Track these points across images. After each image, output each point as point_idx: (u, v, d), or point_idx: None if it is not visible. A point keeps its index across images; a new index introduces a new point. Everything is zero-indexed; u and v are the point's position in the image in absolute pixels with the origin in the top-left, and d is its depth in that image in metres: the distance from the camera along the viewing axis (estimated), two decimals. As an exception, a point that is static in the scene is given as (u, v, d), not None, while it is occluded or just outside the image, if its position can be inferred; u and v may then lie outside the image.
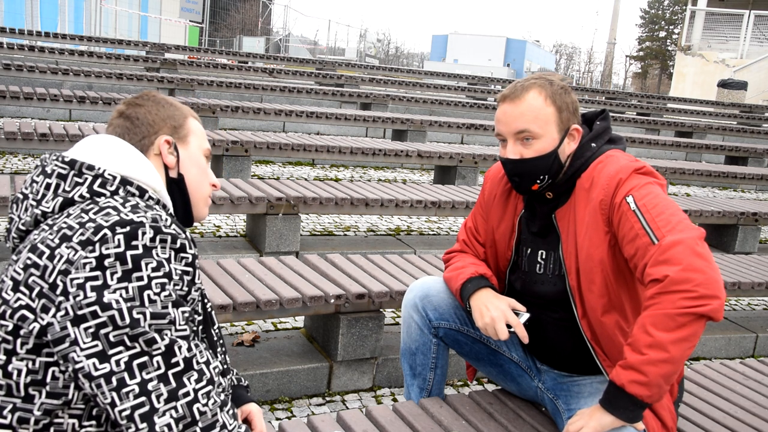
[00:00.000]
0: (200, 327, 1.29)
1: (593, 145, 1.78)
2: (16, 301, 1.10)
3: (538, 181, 1.75)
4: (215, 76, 10.58)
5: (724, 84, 18.14)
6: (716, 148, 9.20)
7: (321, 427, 1.79)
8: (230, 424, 1.15)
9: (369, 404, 2.81)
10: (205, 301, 1.35)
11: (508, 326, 1.77)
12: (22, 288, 1.11)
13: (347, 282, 2.83)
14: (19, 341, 1.10)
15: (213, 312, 1.41)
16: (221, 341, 1.44)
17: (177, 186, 1.35)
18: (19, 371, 1.10)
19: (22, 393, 1.10)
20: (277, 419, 2.62)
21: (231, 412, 1.18)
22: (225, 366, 1.45)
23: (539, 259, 1.85)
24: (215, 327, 1.41)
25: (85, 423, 1.14)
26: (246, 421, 1.50)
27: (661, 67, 50.23)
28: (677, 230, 1.56)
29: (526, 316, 1.79)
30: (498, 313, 1.76)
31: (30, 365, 1.10)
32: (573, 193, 1.77)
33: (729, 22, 22.47)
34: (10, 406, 1.10)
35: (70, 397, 1.12)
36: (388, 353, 2.99)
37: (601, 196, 1.69)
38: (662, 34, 51.25)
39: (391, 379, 3.00)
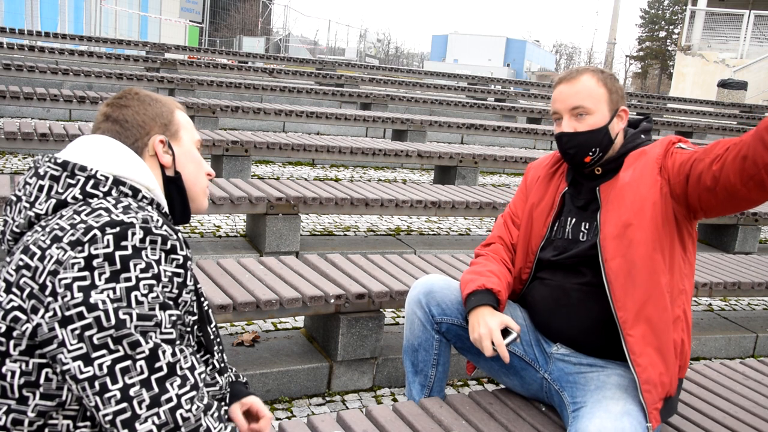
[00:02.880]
0: (195, 326, 1.28)
1: (642, 136, 2.01)
2: (8, 303, 1.10)
3: (590, 153, 1.92)
4: (215, 76, 10.58)
5: (724, 84, 18.11)
6: (716, 147, 9.18)
7: (321, 427, 1.78)
8: (215, 428, 1.13)
9: (369, 404, 2.80)
10: (202, 299, 1.34)
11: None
12: (14, 289, 1.10)
13: (347, 282, 2.82)
14: (12, 343, 1.09)
15: (210, 310, 1.40)
16: (218, 339, 1.43)
17: (175, 184, 1.34)
18: (13, 373, 1.09)
19: (16, 394, 1.10)
20: (277, 419, 2.61)
21: (216, 414, 1.16)
22: (222, 364, 1.44)
23: (583, 228, 1.98)
24: (212, 325, 1.40)
25: (80, 424, 1.14)
26: (250, 412, 1.49)
27: (661, 67, 50.22)
28: None
29: (513, 335, 1.88)
30: (485, 331, 1.86)
31: (23, 367, 1.09)
32: (620, 169, 1.93)
33: (729, 22, 22.45)
34: (4, 408, 1.10)
35: (63, 398, 1.11)
36: (388, 353, 2.98)
37: (655, 154, 1.87)
38: (662, 34, 51.22)
39: (391, 379, 3.00)
